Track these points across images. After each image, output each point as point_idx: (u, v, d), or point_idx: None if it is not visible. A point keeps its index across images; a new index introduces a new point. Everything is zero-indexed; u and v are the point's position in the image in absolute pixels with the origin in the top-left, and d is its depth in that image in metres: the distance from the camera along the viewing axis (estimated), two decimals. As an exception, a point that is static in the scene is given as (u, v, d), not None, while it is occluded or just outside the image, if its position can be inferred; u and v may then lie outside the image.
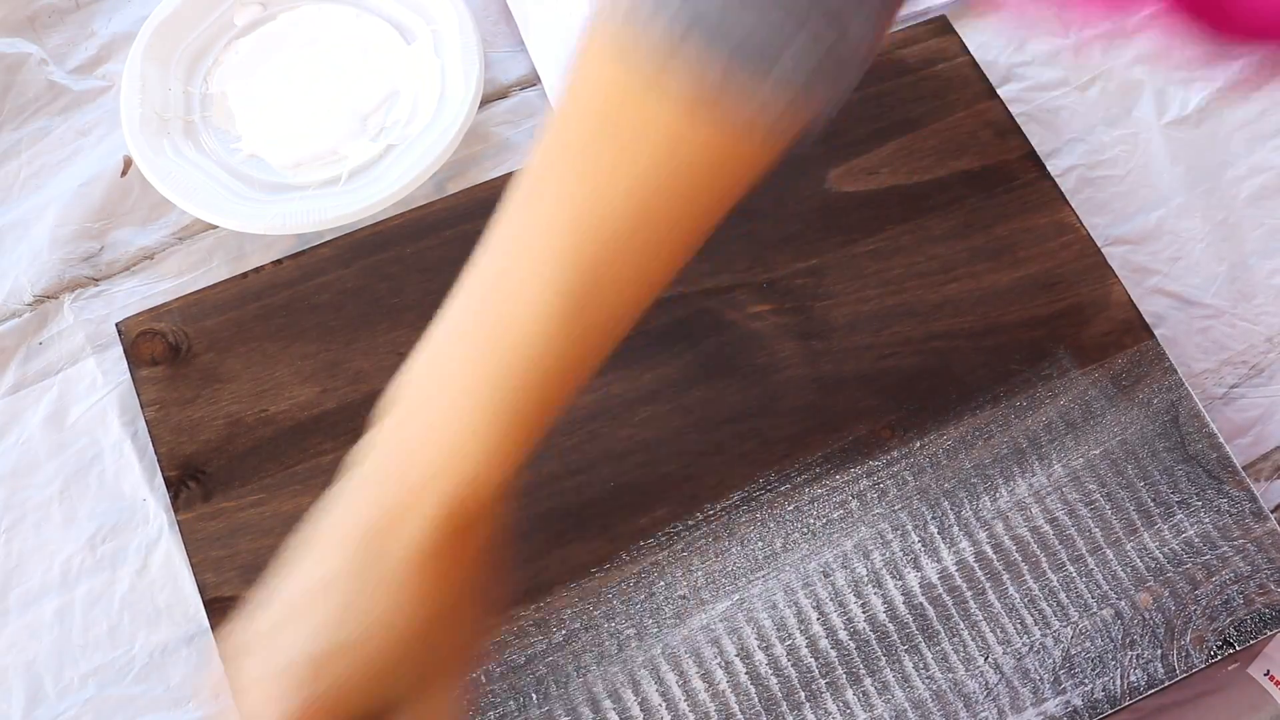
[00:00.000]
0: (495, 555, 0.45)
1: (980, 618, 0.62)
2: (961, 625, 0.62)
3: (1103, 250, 0.70)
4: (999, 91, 0.75)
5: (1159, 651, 0.61)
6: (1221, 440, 0.65)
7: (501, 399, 0.43)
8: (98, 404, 0.70)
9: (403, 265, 0.70)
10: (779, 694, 0.60)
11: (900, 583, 0.63)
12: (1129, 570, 0.63)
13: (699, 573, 0.63)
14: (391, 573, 0.43)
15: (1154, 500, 0.64)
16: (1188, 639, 0.61)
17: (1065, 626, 0.62)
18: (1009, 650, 0.61)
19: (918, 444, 0.66)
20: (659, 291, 0.44)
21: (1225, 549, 0.63)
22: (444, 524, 0.43)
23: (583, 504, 0.64)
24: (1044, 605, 0.62)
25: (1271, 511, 0.64)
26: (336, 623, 0.42)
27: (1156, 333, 0.68)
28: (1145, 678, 0.61)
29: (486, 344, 0.43)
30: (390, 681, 0.43)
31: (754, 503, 0.64)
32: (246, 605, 0.45)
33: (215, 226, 0.74)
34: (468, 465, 0.43)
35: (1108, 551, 0.63)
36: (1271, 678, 0.65)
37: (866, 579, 0.63)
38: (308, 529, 0.45)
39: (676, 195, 0.43)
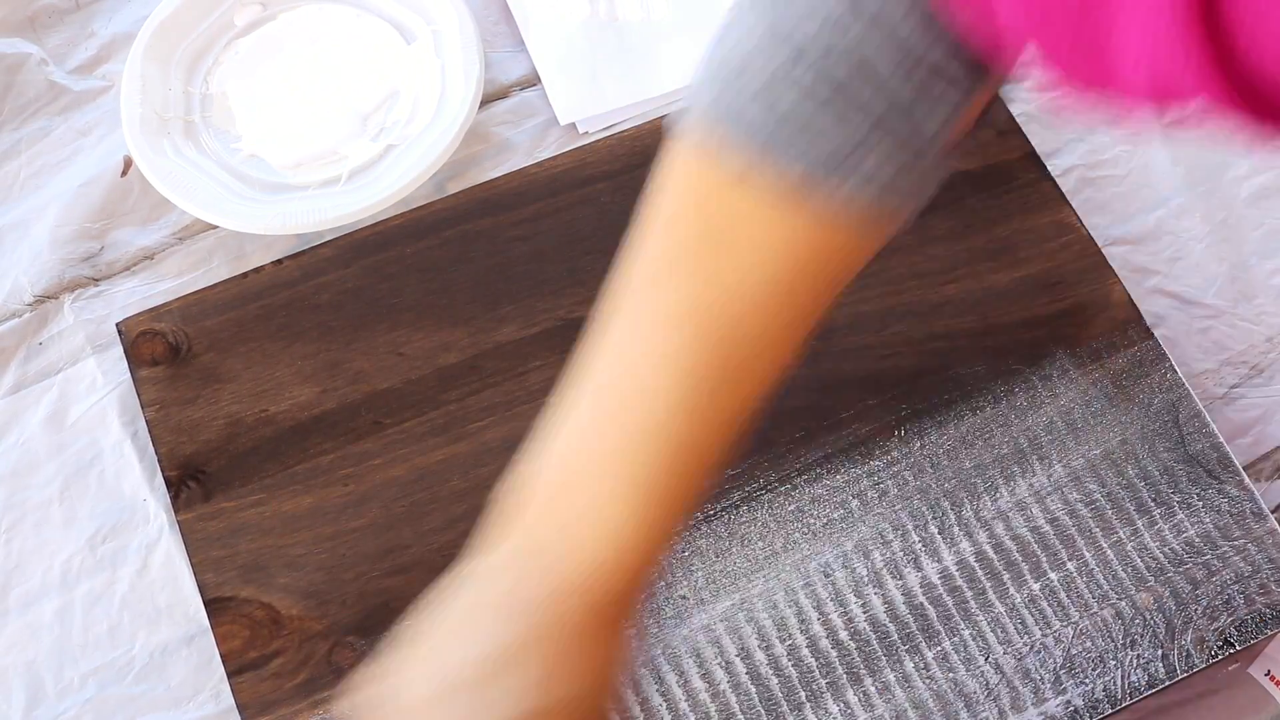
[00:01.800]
0: (629, 643, 0.46)
1: (981, 618, 0.62)
2: (962, 625, 0.62)
3: (1103, 250, 0.70)
4: (999, 92, 0.75)
5: (1159, 651, 0.61)
6: (1222, 440, 0.65)
7: (647, 485, 0.44)
8: (98, 404, 0.70)
9: (403, 265, 0.70)
10: (779, 694, 0.60)
11: (901, 582, 0.63)
12: (1129, 570, 0.63)
13: (700, 573, 0.63)
14: (567, 645, 0.43)
15: (1154, 500, 0.64)
16: (1188, 639, 0.61)
17: (1066, 626, 0.62)
18: (1010, 650, 0.61)
19: (918, 444, 0.66)
20: (781, 373, 0.46)
21: (1225, 549, 0.63)
22: (606, 601, 0.44)
23: (583, 504, 0.64)
24: (1044, 605, 0.62)
25: (1271, 511, 0.64)
26: (520, 693, 0.43)
27: (1156, 333, 0.68)
28: (1146, 677, 0.61)
29: (624, 433, 0.44)
30: None
31: (755, 503, 0.64)
32: (369, 683, 0.45)
33: (215, 226, 0.74)
34: (624, 547, 0.44)
35: (1108, 551, 0.63)
36: (1272, 677, 0.65)
37: (867, 579, 0.63)
38: (444, 605, 0.45)
39: (781, 283, 0.44)
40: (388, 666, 0.45)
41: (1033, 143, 0.73)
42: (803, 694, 0.60)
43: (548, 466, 0.45)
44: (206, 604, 0.63)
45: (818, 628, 0.62)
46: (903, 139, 0.42)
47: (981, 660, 0.61)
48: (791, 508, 0.64)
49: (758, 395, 0.45)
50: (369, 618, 0.62)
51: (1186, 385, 0.67)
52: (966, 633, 0.61)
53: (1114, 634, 0.62)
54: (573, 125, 0.78)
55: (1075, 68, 0.36)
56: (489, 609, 0.44)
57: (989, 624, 0.62)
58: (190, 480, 0.65)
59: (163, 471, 0.65)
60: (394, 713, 0.44)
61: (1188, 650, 0.61)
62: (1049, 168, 0.73)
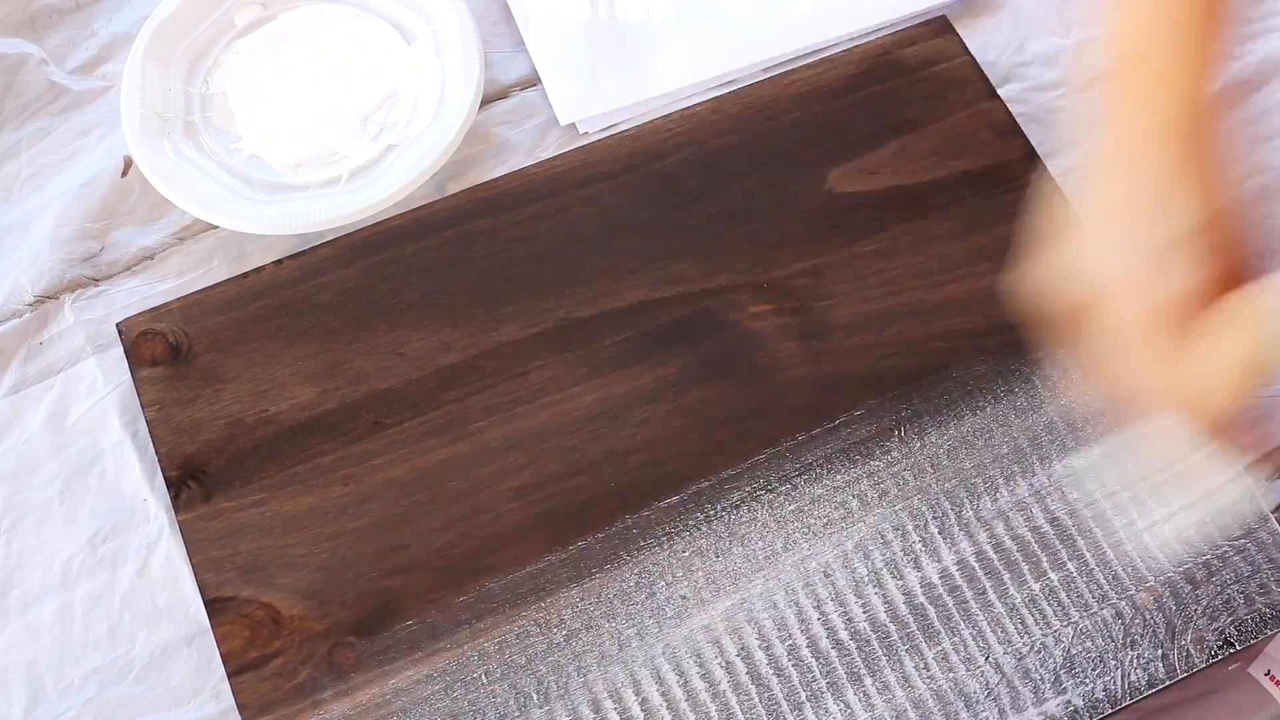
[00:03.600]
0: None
1: (981, 617, 0.62)
2: (962, 625, 0.62)
3: (1103, 250, 0.70)
4: (999, 91, 0.75)
5: (1159, 651, 0.61)
6: (1222, 440, 0.65)
7: None
8: (98, 404, 0.70)
9: (403, 265, 0.70)
10: (780, 694, 0.60)
11: (901, 582, 0.63)
12: (1129, 570, 0.63)
13: (700, 572, 0.63)
14: (1202, 158, 0.52)
15: (1155, 500, 0.64)
16: (1188, 638, 0.61)
17: (1066, 626, 0.62)
18: (1010, 650, 0.61)
19: (918, 444, 0.66)
20: None
21: (1225, 548, 0.63)
22: (1201, 119, 0.52)
23: (584, 504, 0.64)
24: (1044, 605, 0.62)
25: (1272, 511, 0.64)
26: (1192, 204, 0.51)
27: (1157, 333, 0.68)
28: (1146, 677, 0.61)
29: None
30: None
31: (755, 503, 0.64)
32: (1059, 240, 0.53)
33: (215, 227, 0.74)
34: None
35: (1108, 551, 0.63)
36: (1272, 677, 0.65)
37: (867, 579, 0.63)
38: (1095, 153, 0.53)
39: None
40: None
41: (1033, 143, 0.73)
42: (803, 694, 0.60)
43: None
44: (207, 604, 0.63)
45: (818, 627, 0.62)
46: None
47: (981, 660, 0.61)
48: (791, 508, 0.64)
49: None
50: (369, 618, 0.62)
51: (1186, 385, 0.67)
52: (966, 632, 0.62)
53: (1114, 634, 0.62)
54: (573, 125, 0.78)
55: None
56: (1122, 152, 0.53)
57: (989, 624, 0.62)
58: (190, 480, 0.65)
59: (163, 471, 0.65)
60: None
61: (1188, 650, 0.61)
62: (1049, 168, 0.73)
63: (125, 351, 0.68)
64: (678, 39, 0.80)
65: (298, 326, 0.69)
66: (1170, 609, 0.62)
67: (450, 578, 0.63)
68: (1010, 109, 0.74)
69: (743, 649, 0.61)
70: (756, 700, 0.60)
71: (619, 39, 0.80)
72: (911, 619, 0.62)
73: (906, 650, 0.61)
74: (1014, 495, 0.64)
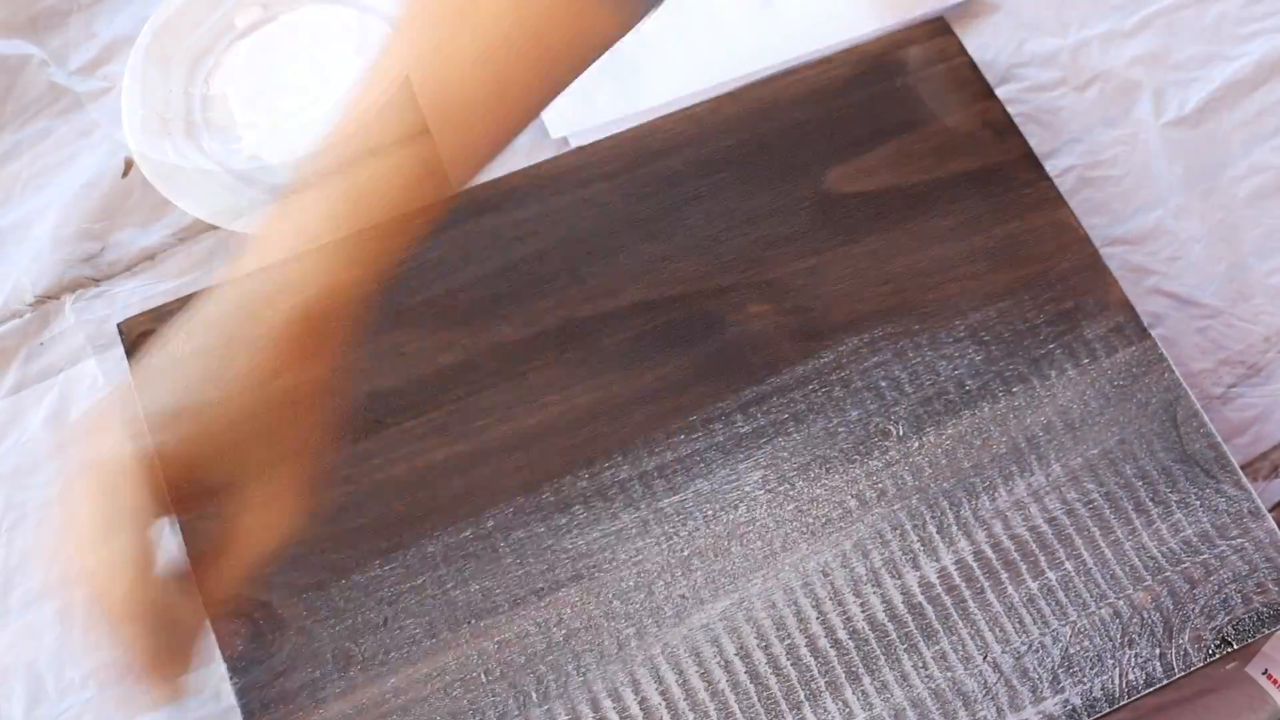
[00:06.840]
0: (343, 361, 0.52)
1: (979, 617, 0.62)
2: (960, 624, 0.62)
3: (1101, 250, 0.70)
4: (997, 92, 0.75)
5: (1157, 650, 0.61)
6: (1219, 440, 0.65)
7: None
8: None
9: (402, 265, 0.70)
10: (778, 693, 0.61)
11: (899, 582, 0.63)
12: (1127, 569, 0.63)
13: (699, 572, 0.63)
14: (252, 348, 0.50)
15: (1152, 500, 0.64)
16: (1186, 638, 0.61)
17: (1064, 626, 0.62)
18: (1008, 649, 0.61)
19: (916, 444, 0.66)
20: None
21: (1223, 548, 0.63)
22: (299, 320, 0.50)
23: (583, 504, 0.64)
24: (1042, 604, 0.62)
25: (1269, 511, 0.65)
26: (200, 383, 0.49)
27: (1154, 333, 0.68)
28: (1144, 676, 0.61)
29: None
30: (237, 455, 0.50)
31: (753, 502, 0.64)
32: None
33: (216, 227, 0.74)
34: (321, 277, 0.51)
35: (1106, 551, 0.63)
36: (1270, 677, 0.65)
37: (865, 578, 0.63)
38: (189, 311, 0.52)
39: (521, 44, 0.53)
40: None
41: (1030, 143, 0.73)
42: (801, 693, 0.61)
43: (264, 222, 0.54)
44: (207, 603, 0.63)
45: (816, 627, 0.62)
46: None
47: (980, 659, 0.61)
48: (790, 507, 0.64)
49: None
50: (369, 617, 0.62)
51: (1184, 385, 0.67)
52: (965, 632, 0.62)
53: (1112, 633, 0.62)
54: (564, 140, 0.78)
55: None
56: (198, 316, 0.52)
57: (987, 623, 0.62)
58: (191, 480, 0.65)
59: (163, 471, 0.66)
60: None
61: (1185, 649, 0.61)
62: (1047, 168, 0.73)
63: (126, 352, 0.68)
64: (670, 51, 0.80)
65: (298, 327, 0.69)
66: (1168, 608, 0.62)
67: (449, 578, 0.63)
68: (1008, 109, 0.74)
69: (741, 648, 0.61)
70: (755, 699, 0.60)
71: (611, 53, 0.80)
72: (910, 618, 0.62)
73: (905, 650, 0.61)
74: (1012, 495, 0.64)
